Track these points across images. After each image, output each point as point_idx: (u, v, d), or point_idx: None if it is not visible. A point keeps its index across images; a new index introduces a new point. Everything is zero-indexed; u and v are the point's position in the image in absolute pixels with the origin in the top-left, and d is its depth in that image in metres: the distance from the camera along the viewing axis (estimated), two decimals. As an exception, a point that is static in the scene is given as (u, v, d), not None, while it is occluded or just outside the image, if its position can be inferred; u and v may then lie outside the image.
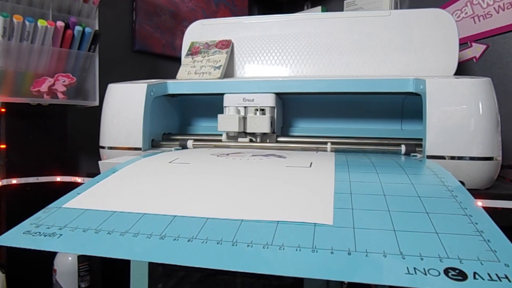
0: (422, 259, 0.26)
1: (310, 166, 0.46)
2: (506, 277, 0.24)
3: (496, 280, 0.23)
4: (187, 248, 0.29)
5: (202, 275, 0.71)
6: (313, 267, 0.26)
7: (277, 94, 0.66)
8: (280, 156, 0.53)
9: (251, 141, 0.66)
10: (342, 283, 0.53)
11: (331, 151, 0.61)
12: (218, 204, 0.36)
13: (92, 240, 0.32)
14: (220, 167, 0.47)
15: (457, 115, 0.51)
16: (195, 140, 0.67)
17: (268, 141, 0.66)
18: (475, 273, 0.24)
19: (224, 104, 0.66)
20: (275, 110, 0.66)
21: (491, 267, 0.25)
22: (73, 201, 0.39)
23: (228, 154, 0.55)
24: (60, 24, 0.69)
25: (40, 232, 0.35)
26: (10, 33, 0.66)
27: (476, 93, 0.51)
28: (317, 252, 0.28)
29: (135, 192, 0.40)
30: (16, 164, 0.75)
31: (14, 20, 0.64)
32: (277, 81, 0.65)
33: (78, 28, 0.72)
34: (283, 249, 0.28)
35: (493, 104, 0.51)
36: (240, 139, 0.66)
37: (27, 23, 0.66)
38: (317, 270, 0.26)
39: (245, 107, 0.65)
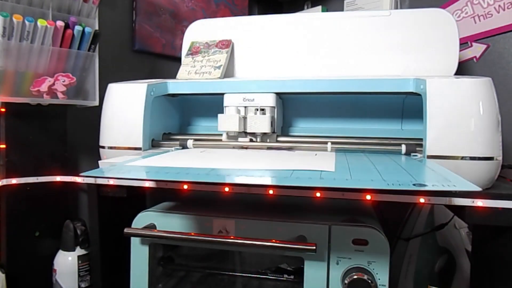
0: (399, 183, 0.39)
1: (316, 155, 0.58)
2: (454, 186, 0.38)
3: (446, 186, 0.37)
4: (227, 173, 0.46)
5: (202, 275, 0.71)
6: (321, 181, 0.41)
7: (277, 94, 0.66)
8: (290, 149, 0.65)
9: (251, 140, 0.66)
10: (342, 282, 0.53)
11: (331, 150, 0.61)
12: (249, 165, 0.51)
13: (155, 172, 0.48)
14: (244, 153, 0.60)
15: (458, 115, 0.51)
16: (195, 140, 0.67)
17: (268, 140, 0.66)
18: (433, 185, 0.38)
19: (224, 104, 0.66)
20: (275, 110, 0.65)
21: (443, 183, 0.39)
22: (133, 162, 0.52)
23: (247, 148, 0.66)
24: (60, 23, 0.69)
25: (113, 169, 0.48)
26: (10, 33, 0.65)
27: (477, 93, 0.51)
28: (323, 178, 0.42)
29: (183, 161, 0.55)
30: (16, 164, 0.75)
31: (14, 19, 0.64)
32: (277, 81, 0.65)
33: (78, 27, 0.72)
34: (299, 178, 0.42)
35: (494, 104, 0.51)
36: (240, 139, 0.66)
37: (27, 22, 0.65)
38: (324, 182, 0.41)
39: (245, 107, 0.65)
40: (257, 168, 0.49)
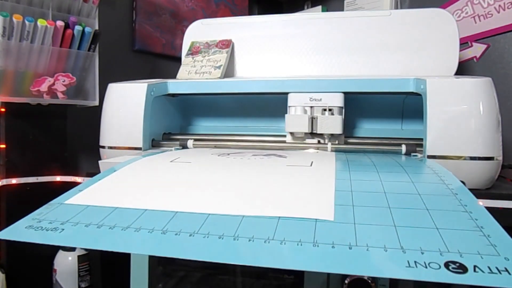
0: (422, 253, 0.26)
1: (311, 165, 0.46)
2: (506, 270, 0.24)
3: (496, 273, 0.24)
4: (188, 243, 0.29)
5: (202, 275, 0.71)
6: (314, 260, 0.26)
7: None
8: (280, 156, 0.53)
9: (319, 142, 0.63)
10: (342, 282, 0.53)
11: (332, 150, 0.61)
12: (219, 200, 0.36)
13: (94, 234, 0.32)
14: (221, 166, 0.47)
15: (458, 115, 0.51)
16: (196, 140, 0.67)
17: (337, 142, 0.63)
18: (475, 266, 0.24)
19: (289, 104, 0.63)
20: (343, 110, 0.62)
21: (491, 260, 0.25)
22: (75, 198, 0.40)
23: (229, 154, 0.55)
24: (60, 23, 0.69)
25: (42, 227, 0.35)
26: (10, 33, 0.65)
27: (477, 93, 0.51)
28: (318, 246, 0.28)
29: (136, 189, 0.41)
30: (16, 164, 0.75)
31: (14, 19, 0.64)
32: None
33: (78, 27, 0.72)
34: (284, 243, 0.28)
35: (494, 104, 0.51)
36: (308, 140, 0.63)
37: (26, 22, 0.66)
38: (318, 264, 0.26)
39: (311, 106, 0.62)
40: (224, 212, 0.33)
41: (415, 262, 0.25)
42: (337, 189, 0.37)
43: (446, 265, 0.25)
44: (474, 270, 0.24)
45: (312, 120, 0.61)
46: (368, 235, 0.29)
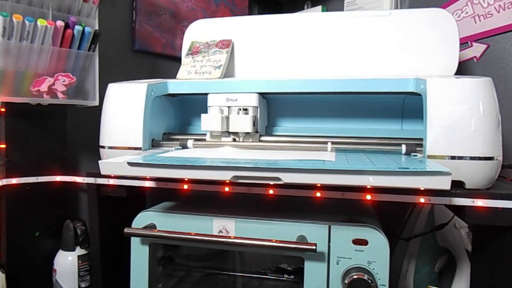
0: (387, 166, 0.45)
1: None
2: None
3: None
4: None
5: (202, 275, 0.71)
6: (323, 166, 0.47)
7: (261, 93, 0.66)
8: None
9: (234, 140, 0.66)
10: (342, 282, 0.53)
11: (332, 150, 0.61)
12: (257, 156, 0.55)
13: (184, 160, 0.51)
14: (245, 150, 0.64)
15: (458, 115, 0.51)
16: (195, 140, 0.67)
17: (251, 140, 0.66)
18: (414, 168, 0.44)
19: (208, 104, 0.66)
20: (258, 109, 0.66)
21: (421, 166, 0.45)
22: (160, 155, 0.57)
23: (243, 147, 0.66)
24: (59, 23, 0.69)
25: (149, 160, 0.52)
26: (10, 33, 0.65)
27: (477, 93, 0.51)
28: (325, 164, 0.48)
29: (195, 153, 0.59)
30: (16, 164, 0.75)
31: (14, 19, 0.64)
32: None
33: (78, 27, 0.72)
34: (307, 163, 0.49)
35: (494, 104, 0.51)
36: (223, 139, 0.67)
37: (26, 22, 0.65)
38: (326, 167, 0.47)
39: (228, 106, 0.66)
40: (265, 158, 0.52)
41: (382, 167, 0.45)
42: (336, 156, 0.56)
43: (399, 168, 0.45)
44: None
45: (227, 119, 0.65)
46: (354, 163, 0.48)
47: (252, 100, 0.65)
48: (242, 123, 0.64)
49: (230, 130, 0.65)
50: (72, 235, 0.77)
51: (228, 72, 0.79)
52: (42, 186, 0.78)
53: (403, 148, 0.58)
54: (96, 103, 0.77)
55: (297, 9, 1.30)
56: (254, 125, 0.65)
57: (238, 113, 0.65)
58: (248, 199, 0.68)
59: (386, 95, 0.64)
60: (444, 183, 0.43)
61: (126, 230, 0.58)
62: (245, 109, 0.65)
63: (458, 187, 0.52)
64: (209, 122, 0.65)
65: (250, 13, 1.35)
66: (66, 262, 0.77)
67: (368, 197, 0.55)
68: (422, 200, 0.53)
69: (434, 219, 0.82)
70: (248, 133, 0.66)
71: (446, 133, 0.51)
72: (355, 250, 0.53)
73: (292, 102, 0.74)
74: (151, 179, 0.64)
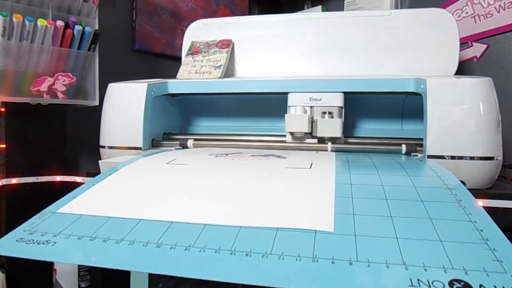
0: (426, 269, 0.25)
1: (310, 167, 0.45)
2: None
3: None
4: (184, 258, 0.28)
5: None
6: (314, 278, 0.25)
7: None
8: (279, 157, 0.53)
9: (319, 142, 0.63)
10: None
11: (332, 151, 0.61)
12: (216, 209, 0.35)
13: (87, 248, 0.31)
14: (218, 169, 0.46)
15: (458, 115, 0.51)
16: (196, 139, 0.67)
17: (336, 142, 0.63)
18: (481, 285, 0.23)
19: (289, 104, 0.63)
20: (343, 110, 0.62)
21: (498, 278, 0.24)
22: (68, 206, 0.39)
23: (227, 155, 0.54)
24: (60, 23, 0.69)
25: (33, 240, 0.33)
26: (10, 33, 0.65)
27: (477, 93, 0.51)
28: (317, 262, 0.27)
29: (131, 195, 0.39)
30: (16, 164, 0.75)
31: (14, 19, 0.64)
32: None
33: (78, 27, 0.72)
34: (283, 258, 0.27)
35: (494, 104, 0.51)
36: (307, 140, 0.63)
37: (26, 22, 0.65)
38: (319, 283, 0.25)
39: (311, 106, 0.62)
40: (221, 222, 0.32)
41: (418, 280, 0.24)
42: (337, 196, 0.36)
43: (451, 283, 0.24)
44: (480, 290, 0.23)
45: (312, 121, 0.61)
46: (369, 249, 0.28)
47: (338, 100, 0.61)
48: (332, 128, 0.59)
49: (319, 135, 0.61)
50: (72, 235, 0.78)
51: (228, 72, 0.79)
52: (42, 186, 0.78)
53: (403, 148, 0.58)
54: (96, 103, 0.77)
55: (297, 9, 1.30)
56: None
57: (322, 116, 0.61)
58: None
59: (386, 95, 0.64)
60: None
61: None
62: (330, 112, 0.61)
63: (458, 187, 0.52)
64: (294, 122, 0.61)
65: (250, 13, 1.35)
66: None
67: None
68: (422, 200, 0.53)
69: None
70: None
71: (446, 133, 0.51)
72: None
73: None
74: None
